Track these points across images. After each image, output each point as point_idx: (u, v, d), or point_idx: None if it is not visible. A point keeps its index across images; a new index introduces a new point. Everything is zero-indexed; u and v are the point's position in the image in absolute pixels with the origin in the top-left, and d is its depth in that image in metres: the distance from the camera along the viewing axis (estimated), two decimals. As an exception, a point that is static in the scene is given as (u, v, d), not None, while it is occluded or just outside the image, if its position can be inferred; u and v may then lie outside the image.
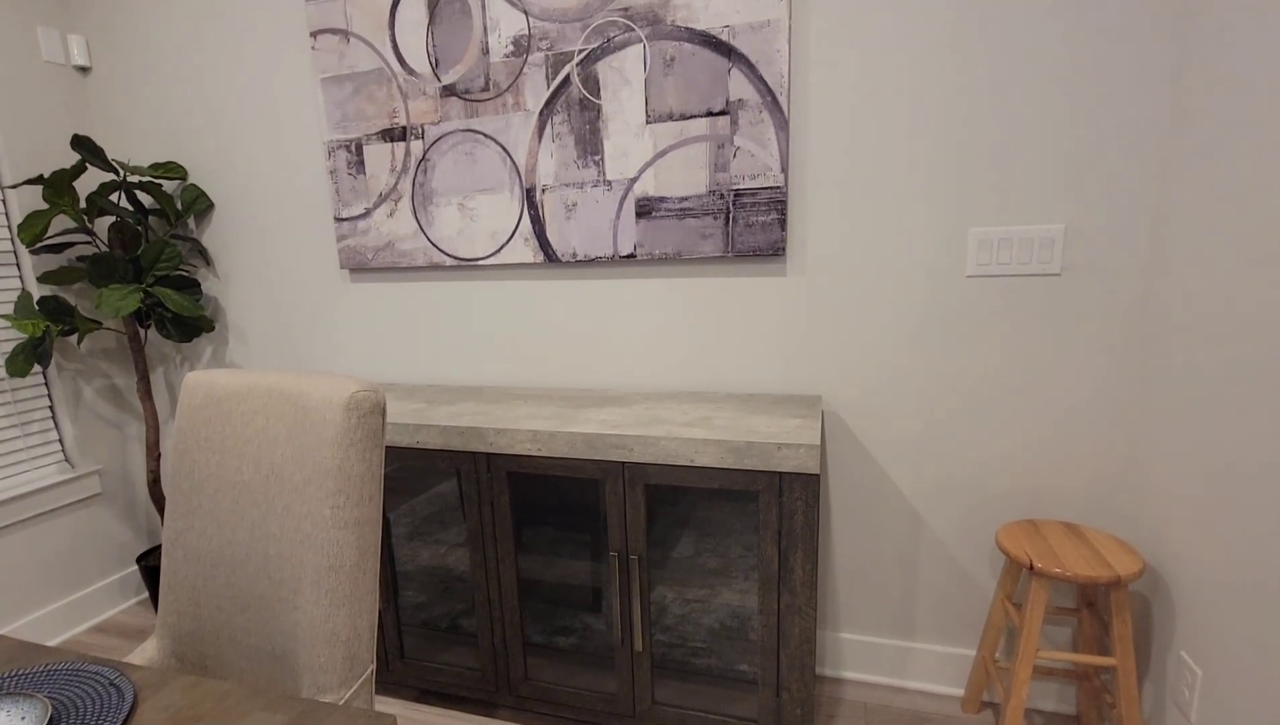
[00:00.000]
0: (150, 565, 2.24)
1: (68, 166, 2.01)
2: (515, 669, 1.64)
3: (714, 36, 1.54)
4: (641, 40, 1.59)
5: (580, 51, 1.64)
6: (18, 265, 2.06)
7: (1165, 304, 1.37)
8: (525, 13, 1.66)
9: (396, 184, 1.88)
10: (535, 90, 1.70)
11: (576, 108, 1.68)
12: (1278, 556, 1.10)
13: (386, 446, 1.59)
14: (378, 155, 1.88)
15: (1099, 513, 1.54)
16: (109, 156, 2.18)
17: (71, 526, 2.21)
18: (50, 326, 1.93)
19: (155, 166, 2.06)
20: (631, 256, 1.71)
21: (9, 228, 2.03)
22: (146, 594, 2.43)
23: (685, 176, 1.62)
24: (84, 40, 2.16)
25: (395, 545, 1.76)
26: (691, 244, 1.66)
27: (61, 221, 2.12)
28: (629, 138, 1.65)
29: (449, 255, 1.88)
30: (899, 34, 1.45)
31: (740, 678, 1.58)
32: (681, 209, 1.65)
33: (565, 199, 1.74)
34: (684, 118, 1.60)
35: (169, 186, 2.18)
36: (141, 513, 2.44)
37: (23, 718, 0.72)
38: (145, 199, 2.23)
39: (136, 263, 2.00)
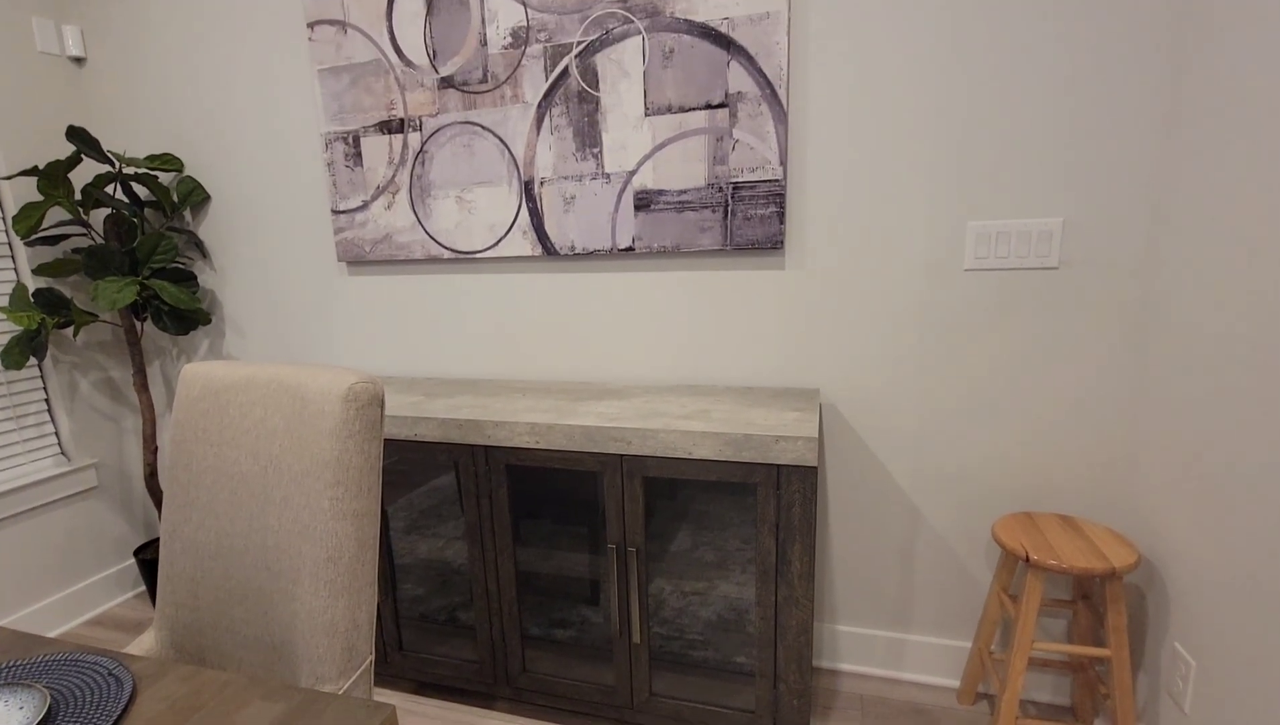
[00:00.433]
0: (147, 559, 2.23)
1: (63, 158, 2.00)
2: (513, 661, 1.64)
3: (713, 29, 1.53)
4: (641, 32, 1.59)
5: (579, 43, 1.64)
6: (13, 257, 2.05)
7: (1163, 297, 1.37)
8: (524, 4, 1.65)
9: (394, 176, 1.87)
10: (534, 82, 1.69)
11: (575, 100, 1.67)
12: (1271, 550, 1.10)
13: (385, 439, 1.59)
14: (375, 147, 1.87)
15: (1095, 505, 1.55)
16: (104, 148, 2.17)
17: (68, 520, 2.21)
18: (46, 319, 1.92)
19: (151, 158, 2.05)
20: (630, 249, 1.71)
21: (4, 220, 2.02)
22: (144, 587, 2.43)
23: (684, 169, 1.62)
24: (79, 31, 2.14)
25: (394, 538, 1.76)
26: (690, 237, 1.65)
27: (57, 213, 2.11)
28: (628, 130, 1.65)
29: (447, 248, 1.88)
30: (898, 27, 1.45)
31: (738, 669, 1.59)
32: (680, 202, 1.64)
33: (564, 192, 1.73)
34: (683, 110, 1.59)
35: (165, 178, 2.17)
36: (138, 506, 2.44)
37: (21, 707, 0.72)
38: (141, 191, 2.22)
39: (133, 255, 1.99)
